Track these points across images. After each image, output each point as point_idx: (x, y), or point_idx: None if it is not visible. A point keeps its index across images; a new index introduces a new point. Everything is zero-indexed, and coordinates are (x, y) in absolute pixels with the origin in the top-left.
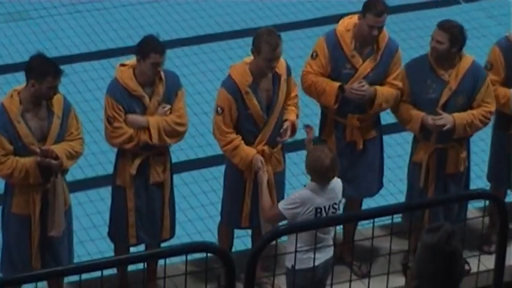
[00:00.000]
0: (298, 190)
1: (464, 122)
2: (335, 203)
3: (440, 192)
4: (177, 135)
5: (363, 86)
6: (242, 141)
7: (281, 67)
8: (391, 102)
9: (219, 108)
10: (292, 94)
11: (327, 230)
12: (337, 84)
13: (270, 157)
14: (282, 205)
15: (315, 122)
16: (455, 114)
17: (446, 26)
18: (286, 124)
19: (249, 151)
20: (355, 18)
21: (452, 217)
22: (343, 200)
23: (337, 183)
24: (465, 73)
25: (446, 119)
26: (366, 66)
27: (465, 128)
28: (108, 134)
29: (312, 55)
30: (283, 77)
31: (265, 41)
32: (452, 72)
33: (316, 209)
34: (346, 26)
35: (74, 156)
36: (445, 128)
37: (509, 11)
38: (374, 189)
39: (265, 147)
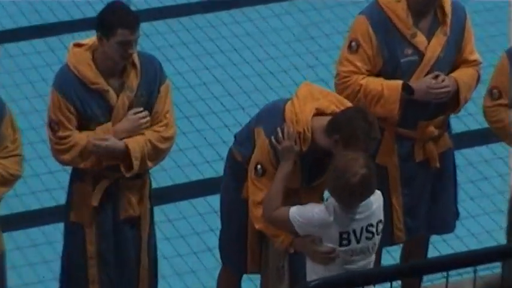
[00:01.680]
0: (318, 205)
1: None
2: (371, 224)
3: None
4: (162, 156)
5: (443, 80)
6: None
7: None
8: (474, 87)
9: (258, 167)
10: None
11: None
12: (400, 82)
13: None
14: (294, 213)
15: None
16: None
17: None
18: None
19: None
20: None
21: None
22: (383, 220)
23: (373, 195)
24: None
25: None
26: (434, 45)
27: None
28: (52, 146)
29: (349, 46)
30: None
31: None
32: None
33: (340, 234)
34: None
35: (8, 180)
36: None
37: None
38: (452, 222)
39: None
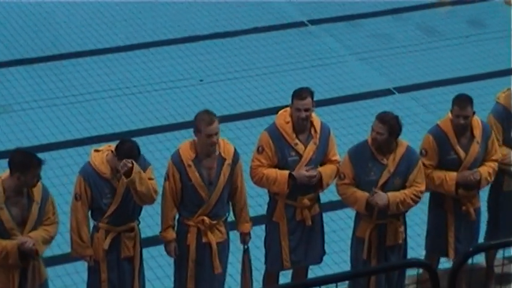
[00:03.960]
0: None
1: (397, 200)
2: None
3: (382, 262)
4: (150, 195)
5: (311, 171)
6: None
7: (228, 152)
8: (334, 176)
9: (165, 175)
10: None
11: None
12: (287, 172)
13: (211, 228)
14: None
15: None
16: (390, 193)
17: (385, 119)
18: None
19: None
20: (289, 110)
21: (393, 284)
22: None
23: None
24: (401, 157)
25: (381, 197)
26: (308, 151)
27: (398, 205)
28: (72, 208)
29: (258, 150)
30: (228, 162)
31: (201, 119)
32: (390, 157)
33: None
34: (284, 118)
35: (48, 241)
36: (379, 205)
37: (438, 99)
38: (320, 257)
39: (205, 218)
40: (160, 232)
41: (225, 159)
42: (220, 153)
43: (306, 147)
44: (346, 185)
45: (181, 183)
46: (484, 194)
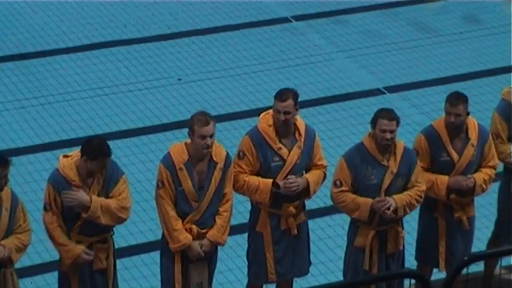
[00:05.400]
0: None
1: (404, 203)
2: None
3: (382, 271)
4: (118, 220)
5: (293, 181)
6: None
7: (219, 156)
8: (321, 183)
9: (159, 182)
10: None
11: None
12: (270, 181)
13: (198, 237)
14: None
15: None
16: (395, 197)
17: (392, 115)
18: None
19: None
20: (271, 112)
21: None
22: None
23: None
24: (402, 157)
25: (389, 202)
26: (292, 156)
27: (405, 208)
28: (44, 220)
29: (238, 155)
30: (220, 166)
31: (197, 119)
32: (390, 157)
33: None
34: (266, 121)
35: (21, 249)
36: (390, 210)
37: (431, 99)
38: (307, 268)
39: (193, 226)
40: (173, 244)
41: (216, 163)
42: (211, 156)
43: (289, 152)
44: (344, 192)
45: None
46: (484, 198)
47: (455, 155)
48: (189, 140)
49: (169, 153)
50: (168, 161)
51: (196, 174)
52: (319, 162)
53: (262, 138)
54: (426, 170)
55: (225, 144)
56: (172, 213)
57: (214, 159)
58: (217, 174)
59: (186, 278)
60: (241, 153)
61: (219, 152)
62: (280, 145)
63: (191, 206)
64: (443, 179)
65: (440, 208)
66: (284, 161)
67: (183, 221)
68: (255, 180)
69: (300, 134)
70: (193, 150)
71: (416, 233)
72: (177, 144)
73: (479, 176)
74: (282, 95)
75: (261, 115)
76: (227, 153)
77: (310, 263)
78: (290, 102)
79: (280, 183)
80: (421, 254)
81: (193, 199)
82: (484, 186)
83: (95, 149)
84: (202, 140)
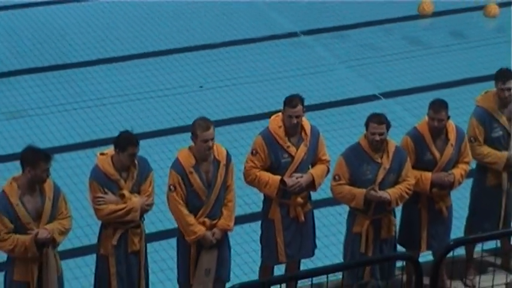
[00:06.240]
0: None
1: (397, 195)
2: None
3: (377, 254)
4: (144, 213)
5: (296, 182)
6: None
7: (221, 155)
8: (325, 175)
9: (171, 186)
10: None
11: None
12: (278, 178)
13: (211, 228)
14: None
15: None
16: (389, 190)
17: (382, 119)
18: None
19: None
20: (281, 115)
21: (385, 273)
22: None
23: None
24: (393, 154)
25: (384, 193)
26: (300, 153)
27: (397, 200)
28: (100, 214)
29: (252, 152)
30: (222, 163)
31: (198, 125)
32: (384, 155)
33: None
34: (277, 123)
35: (64, 232)
36: (385, 199)
37: (421, 104)
38: (312, 250)
39: (206, 219)
40: (189, 237)
41: (219, 161)
42: (214, 156)
43: (297, 149)
44: (342, 185)
45: (185, 188)
46: (462, 190)
47: (437, 154)
48: (192, 144)
49: (178, 159)
50: (178, 167)
51: (204, 173)
52: (323, 157)
53: (273, 138)
54: (412, 167)
55: (241, 142)
56: (185, 211)
57: (217, 158)
58: (221, 171)
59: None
60: (254, 151)
61: (220, 151)
62: (289, 144)
63: (202, 201)
64: (427, 175)
65: (423, 200)
66: (292, 157)
67: (196, 216)
68: (266, 175)
69: (306, 134)
70: (198, 153)
71: (399, 221)
72: (183, 149)
73: (457, 172)
74: (292, 101)
75: (272, 118)
76: (227, 151)
77: (315, 246)
78: (300, 107)
79: (287, 180)
80: (405, 238)
81: (204, 195)
82: (460, 180)
83: (124, 140)
84: (204, 143)
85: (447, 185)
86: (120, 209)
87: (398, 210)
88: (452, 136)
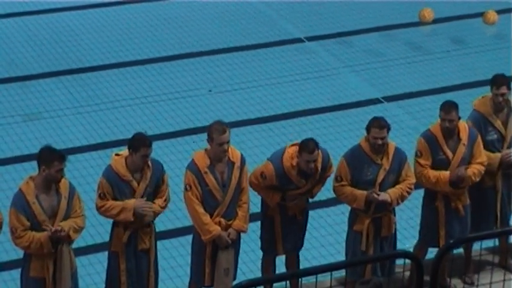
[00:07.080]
0: None
1: (397, 195)
2: None
3: (377, 251)
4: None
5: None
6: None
7: (236, 157)
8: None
9: (187, 186)
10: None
11: None
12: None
13: (226, 228)
14: None
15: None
16: (389, 190)
17: (382, 123)
18: None
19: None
20: (295, 152)
21: (386, 270)
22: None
23: None
24: (393, 156)
25: (385, 195)
26: (309, 184)
27: (397, 199)
28: (98, 208)
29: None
30: (237, 165)
31: (214, 129)
32: (384, 157)
33: None
34: (291, 161)
35: (78, 230)
36: (386, 201)
37: (423, 107)
38: (301, 244)
39: (222, 219)
40: (205, 236)
41: (234, 163)
42: (229, 158)
43: (307, 183)
44: (344, 186)
45: (200, 188)
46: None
47: (450, 154)
48: (208, 147)
49: (193, 160)
50: (193, 167)
51: (218, 174)
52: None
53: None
54: (430, 167)
55: (248, 144)
56: (201, 210)
57: (232, 159)
58: (236, 172)
59: (213, 263)
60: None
61: (235, 154)
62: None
63: (217, 200)
64: (446, 174)
65: (439, 198)
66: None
67: (211, 216)
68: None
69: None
70: (213, 154)
71: (421, 219)
72: (198, 151)
73: (470, 170)
74: (309, 146)
75: (285, 156)
76: (241, 154)
77: (303, 241)
78: (316, 152)
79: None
80: (425, 235)
81: (219, 195)
82: (473, 178)
83: (137, 141)
84: (220, 147)
85: (461, 180)
86: (114, 207)
87: (400, 210)
88: (464, 136)
